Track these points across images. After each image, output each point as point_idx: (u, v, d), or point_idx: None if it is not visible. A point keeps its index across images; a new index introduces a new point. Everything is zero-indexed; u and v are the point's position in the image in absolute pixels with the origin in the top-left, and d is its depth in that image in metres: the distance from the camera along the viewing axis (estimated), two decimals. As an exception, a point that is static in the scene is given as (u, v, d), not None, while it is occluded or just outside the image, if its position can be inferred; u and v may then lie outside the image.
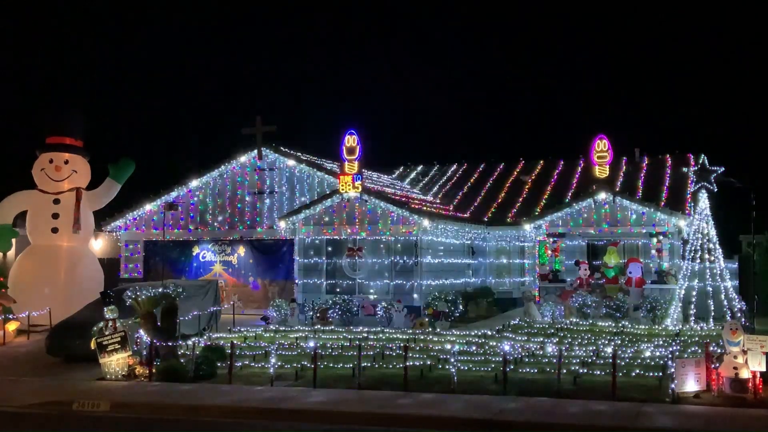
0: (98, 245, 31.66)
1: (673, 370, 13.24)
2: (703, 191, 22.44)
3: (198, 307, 21.21)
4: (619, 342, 18.27)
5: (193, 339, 18.48)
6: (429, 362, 16.17)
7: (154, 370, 15.80)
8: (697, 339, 18.53)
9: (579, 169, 34.38)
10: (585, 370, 15.06)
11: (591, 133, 26.56)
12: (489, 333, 19.99)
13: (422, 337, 19.48)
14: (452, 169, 37.75)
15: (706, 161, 31.44)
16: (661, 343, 18.07)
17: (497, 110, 71.00)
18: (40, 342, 19.30)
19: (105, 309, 16.56)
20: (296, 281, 26.76)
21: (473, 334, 19.95)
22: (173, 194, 29.84)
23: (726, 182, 22.80)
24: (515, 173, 35.62)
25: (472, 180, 35.77)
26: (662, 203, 26.61)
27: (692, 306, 21.45)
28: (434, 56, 78.43)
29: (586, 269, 25.45)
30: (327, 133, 50.35)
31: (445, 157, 39.26)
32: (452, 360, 14.68)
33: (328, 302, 24.62)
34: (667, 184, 30.50)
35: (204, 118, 70.42)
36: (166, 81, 72.33)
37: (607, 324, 21.52)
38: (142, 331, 16.52)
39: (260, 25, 77.15)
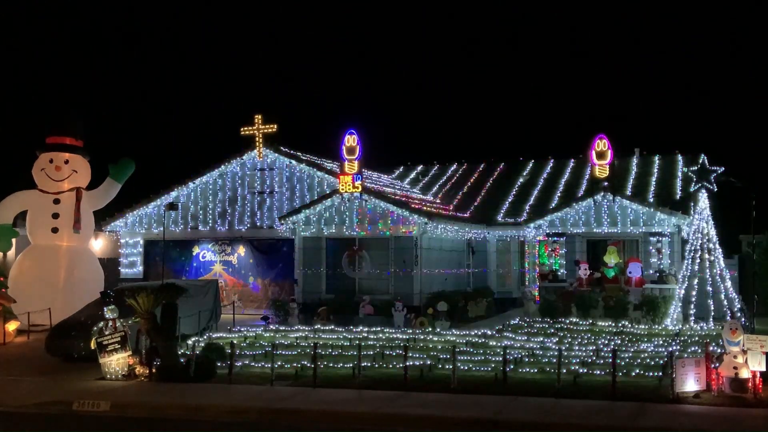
0: (98, 245, 31.64)
1: (673, 369, 13.25)
2: (703, 191, 22.44)
3: (198, 306, 21.20)
4: (619, 342, 18.31)
5: (193, 339, 18.52)
6: (429, 362, 16.17)
7: (154, 370, 15.80)
8: (697, 339, 18.57)
9: (579, 168, 34.40)
10: (585, 370, 15.07)
11: (591, 133, 26.61)
12: (489, 332, 20.03)
13: (422, 337, 19.51)
14: (452, 168, 37.77)
15: (706, 161, 31.43)
16: (661, 343, 18.12)
17: (497, 110, 71.02)
18: (40, 342, 19.28)
19: (105, 309, 16.56)
20: (296, 281, 26.76)
21: (473, 333, 19.99)
22: (173, 194, 29.84)
23: (726, 182, 22.78)
24: (515, 173, 35.63)
25: (471, 180, 35.78)
26: (662, 203, 26.61)
27: (692, 306, 21.48)
28: (434, 55, 78.46)
29: (586, 269, 25.47)
30: (327, 133, 50.34)
31: (445, 157, 39.36)
32: (452, 360, 14.69)
33: (328, 302, 24.62)
34: (667, 183, 30.51)
35: (204, 117, 70.44)
36: (167, 81, 72.35)
37: (606, 324, 21.55)
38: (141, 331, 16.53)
39: (260, 24, 77.16)
